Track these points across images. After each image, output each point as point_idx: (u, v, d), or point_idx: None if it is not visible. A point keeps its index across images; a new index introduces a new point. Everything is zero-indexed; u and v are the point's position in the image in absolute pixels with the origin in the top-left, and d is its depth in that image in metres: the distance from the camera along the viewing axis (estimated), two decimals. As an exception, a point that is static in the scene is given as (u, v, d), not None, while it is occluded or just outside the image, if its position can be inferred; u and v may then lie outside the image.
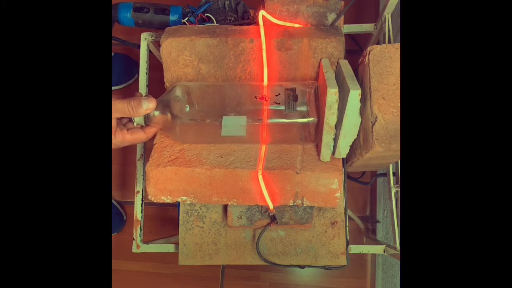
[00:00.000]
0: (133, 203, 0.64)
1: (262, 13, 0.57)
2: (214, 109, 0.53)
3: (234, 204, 0.55)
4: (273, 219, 0.56)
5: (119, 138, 0.52)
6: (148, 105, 0.51)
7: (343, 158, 0.55)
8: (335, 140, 0.52)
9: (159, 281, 1.12)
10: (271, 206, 0.54)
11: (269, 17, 0.57)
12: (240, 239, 0.59)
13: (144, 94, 0.66)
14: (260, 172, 0.52)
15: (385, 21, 0.61)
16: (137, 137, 0.53)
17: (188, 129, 0.54)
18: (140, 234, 0.63)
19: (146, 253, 0.64)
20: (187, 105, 0.53)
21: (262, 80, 0.57)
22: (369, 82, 0.48)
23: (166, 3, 0.68)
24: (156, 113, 0.53)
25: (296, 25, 0.58)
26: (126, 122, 0.55)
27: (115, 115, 0.51)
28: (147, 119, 0.53)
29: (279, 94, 0.53)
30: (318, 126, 0.53)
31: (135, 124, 0.53)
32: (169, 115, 0.53)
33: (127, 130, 0.53)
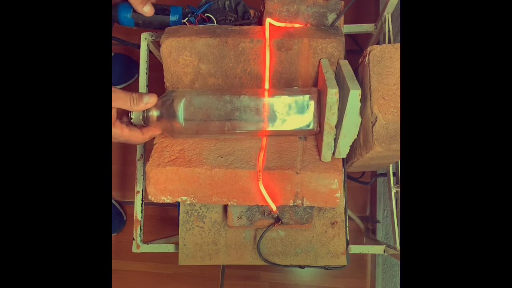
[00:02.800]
0: (133, 203, 0.64)
1: (268, 21, 0.57)
2: (213, 113, 0.53)
3: (234, 204, 0.55)
4: (277, 220, 0.56)
5: (118, 130, 0.52)
6: (149, 99, 0.52)
7: (343, 158, 0.55)
8: (335, 140, 0.52)
9: (159, 281, 1.12)
10: (274, 208, 0.54)
11: (275, 23, 0.57)
12: (240, 239, 0.59)
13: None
14: (260, 182, 0.52)
15: (385, 21, 0.61)
16: (134, 134, 0.53)
17: (187, 129, 0.54)
18: (140, 234, 0.63)
19: (146, 253, 0.64)
20: (185, 111, 0.52)
21: (262, 80, 0.57)
22: (369, 82, 0.49)
23: (166, 3, 0.68)
24: (155, 113, 0.53)
25: (296, 25, 0.58)
26: (127, 121, 0.55)
27: (115, 104, 0.51)
28: (146, 119, 0.53)
29: None
30: (320, 126, 0.53)
31: (133, 121, 0.53)
32: (167, 117, 0.53)
33: (126, 125, 0.53)
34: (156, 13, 0.66)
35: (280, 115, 0.53)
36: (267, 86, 0.57)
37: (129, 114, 0.53)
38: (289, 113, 0.53)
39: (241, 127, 0.53)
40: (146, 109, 0.53)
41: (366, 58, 0.50)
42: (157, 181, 0.54)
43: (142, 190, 0.64)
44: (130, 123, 0.54)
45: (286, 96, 0.53)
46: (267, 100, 0.53)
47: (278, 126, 0.53)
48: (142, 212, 0.64)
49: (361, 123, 0.50)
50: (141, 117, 0.53)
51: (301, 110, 0.53)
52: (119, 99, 0.51)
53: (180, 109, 0.52)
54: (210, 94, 0.54)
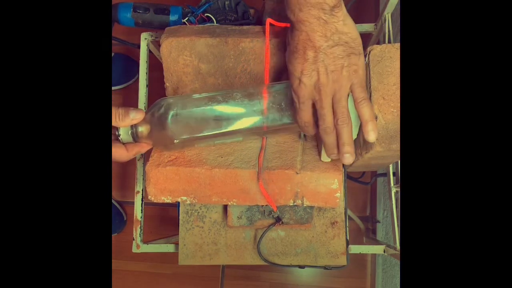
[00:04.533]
0: (133, 203, 0.64)
1: (269, 20, 0.57)
2: (204, 121, 0.51)
3: (234, 204, 0.55)
4: (278, 220, 0.56)
5: None
6: (136, 115, 0.49)
7: (343, 158, 0.55)
8: (335, 140, 0.52)
9: (159, 281, 1.12)
10: (275, 208, 0.54)
11: (275, 23, 0.57)
12: (240, 239, 0.59)
13: (144, 94, 0.67)
14: (260, 182, 0.52)
15: (385, 21, 0.61)
16: (118, 151, 0.50)
17: (179, 137, 0.51)
18: (140, 234, 0.63)
19: (146, 253, 0.64)
20: (176, 121, 0.49)
21: (262, 80, 0.57)
22: (369, 82, 0.49)
23: (166, 3, 0.68)
24: (144, 128, 0.50)
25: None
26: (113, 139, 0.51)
27: None
28: (135, 135, 0.50)
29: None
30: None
31: (121, 138, 0.50)
32: (157, 130, 0.50)
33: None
34: (156, 12, 0.66)
35: (277, 109, 0.51)
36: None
37: (117, 131, 0.50)
38: (286, 107, 0.51)
39: (238, 127, 0.51)
40: (135, 125, 0.50)
41: (366, 58, 0.50)
42: (157, 181, 0.54)
43: (142, 190, 0.64)
44: (115, 139, 0.51)
45: (282, 91, 0.51)
46: (263, 96, 0.51)
47: (276, 122, 0.51)
48: (142, 212, 0.64)
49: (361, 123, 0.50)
50: (129, 132, 0.50)
51: None
52: None
53: (170, 119, 0.49)
54: (201, 98, 0.51)
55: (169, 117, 0.50)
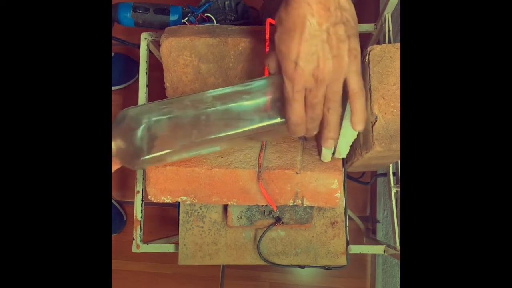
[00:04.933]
0: (133, 203, 0.64)
1: (269, 21, 0.57)
2: (172, 132, 0.45)
3: (234, 204, 0.55)
4: (278, 220, 0.56)
5: None
6: None
7: (343, 158, 0.55)
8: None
9: (159, 281, 1.12)
10: (275, 208, 0.54)
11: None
12: (240, 239, 0.59)
13: (144, 94, 0.67)
14: (260, 182, 0.52)
15: (385, 21, 0.61)
16: None
17: (151, 153, 0.45)
18: (140, 234, 0.63)
19: (146, 253, 0.64)
20: (140, 137, 0.44)
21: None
22: (369, 82, 0.49)
23: (166, 3, 0.68)
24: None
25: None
26: None
27: None
28: None
29: None
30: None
31: None
32: (124, 146, 0.44)
33: None
34: (156, 12, 0.67)
35: (258, 110, 0.45)
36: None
37: None
38: (270, 104, 0.46)
39: (211, 135, 0.45)
40: None
41: (366, 58, 0.50)
42: (157, 181, 0.54)
43: (142, 190, 0.64)
44: None
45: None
46: (240, 97, 0.45)
47: (256, 124, 0.45)
48: (142, 212, 0.64)
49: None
50: None
51: None
52: None
53: (135, 132, 0.44)
54: (168, 107, 0.45)
55: (136, 130, 0.44)
